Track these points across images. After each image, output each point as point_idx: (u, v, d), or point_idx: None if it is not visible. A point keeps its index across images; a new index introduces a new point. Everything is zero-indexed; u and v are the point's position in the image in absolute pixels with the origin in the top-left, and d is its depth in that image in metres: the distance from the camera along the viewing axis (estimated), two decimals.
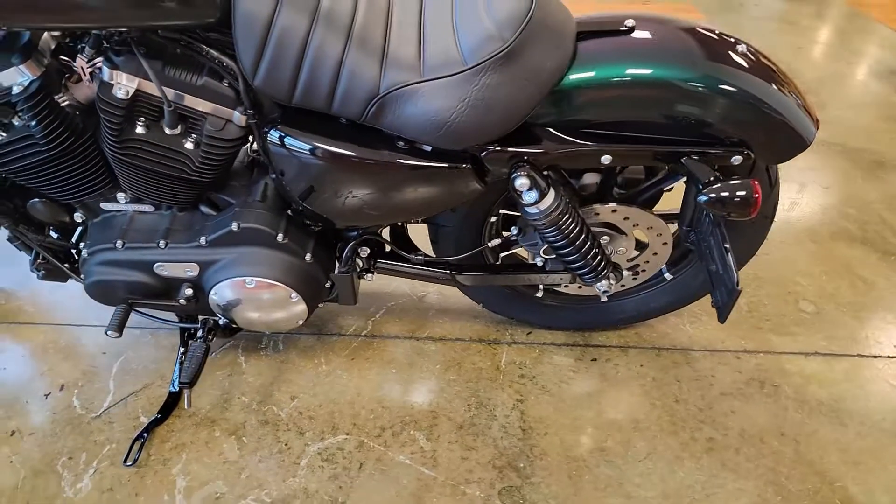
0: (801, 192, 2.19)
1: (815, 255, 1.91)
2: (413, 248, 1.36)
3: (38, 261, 1.32)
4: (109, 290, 1.24)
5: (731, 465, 1.33)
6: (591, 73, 1.01)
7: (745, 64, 1.04)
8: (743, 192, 1.00)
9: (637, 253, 1.37)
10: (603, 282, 1.26)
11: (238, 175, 1.25)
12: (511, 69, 0.95)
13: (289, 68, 0.96)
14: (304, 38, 0.95)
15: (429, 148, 1.05)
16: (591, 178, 1.32)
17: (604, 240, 1.31)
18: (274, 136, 1.05)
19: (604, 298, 1.53)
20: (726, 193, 1.01)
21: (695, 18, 1.13)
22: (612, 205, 1.24)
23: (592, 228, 1.30)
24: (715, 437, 1.39)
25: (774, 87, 1.05)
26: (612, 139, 1.06)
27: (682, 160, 1.06)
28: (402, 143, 1.05)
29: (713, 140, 1.06)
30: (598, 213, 1.26)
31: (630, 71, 1.00)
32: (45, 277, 1.35)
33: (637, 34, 1.03)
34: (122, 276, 1.23)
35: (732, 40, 1.07)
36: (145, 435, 1.34)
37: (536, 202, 1.06)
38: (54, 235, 1.32)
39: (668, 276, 1.47)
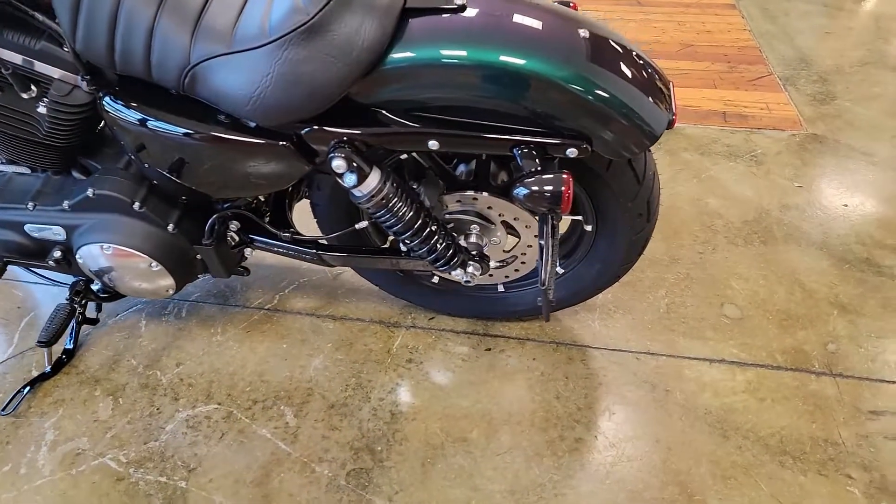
0: (767, 189, 2.06)
1: (760, 258, 1.79)
2: (286, 225, 1.35)
3: None
4: None
5: (591, 468, 1.28)
6: (413, 53, 0.96)
7: (587, 49, 0.97)
8: (550, 187, 0.95)
9: (514, 243, 1.32)
10: (458, 270, 1.23)
11: (110, 141, 1.27)
12: (315, 44, 0.92)
13: (103, 33, 0.96)
14: (116, 1, 0.95)
15: (254, 123, 1.04)
16: (472, 166, 1.28)
17: (473, 229, 1.27)
18: (106, 102, 1.06)
19: (502, 288, 1.49)
20: (536, 188, 0.96)
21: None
22: (472, 193, 1.19)
23: (463, 217, 1.26)
24: (585, 438, 1.34)
25: (619, 75, 0.98)
26: (441, 123, 1.01)
27: (514, 150, 1.01)
28: (222, 117, 1.04)
29: (549, 130, 1.00)
30: (459, 201, 1.22)
31: (454, 52, 0.95)
32: None
33: (469, 13, 0.98)
34: None
35: (578, 22, 1.00)
36: (29, 387, 1.40)
37: (356, 185, 1.03)
38: None
39: (559, 269, 1.41)
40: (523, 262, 1.35)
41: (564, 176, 0.95)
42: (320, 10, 0.91)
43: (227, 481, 1.26)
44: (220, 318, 1.62)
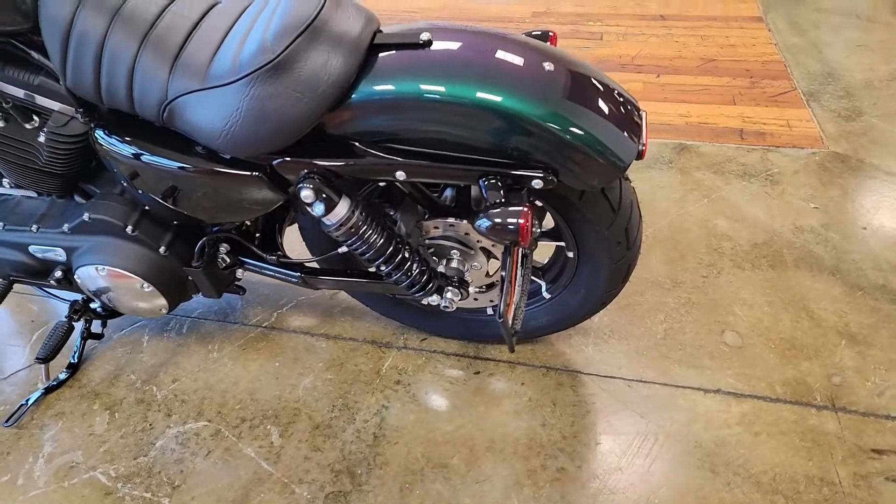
0: (781, 210, 1.99)
1: (768, 283, 1.74)
2: (273, 248, 1.38)
3: None
4: None
5: (571, 500, 1.26)
6: (379, 87, 0.98)
7: (552, 80, 0.97)
8: (512, 219, 0.95)
9: (497, 268, 1.32)
10: (434, 296, 1.23)
11: None
12: (281, 81, 0.94)
13: (89, 69, 1.01)
14: (101, 39, 1.00)
15: (228, 155, 1.07)
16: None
17: (454, 254, 1.27)
18: (98, 135, 1.12)
19: (490, 311, 1.49)
20: (498, 220, 0.96)
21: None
22: (450, 219, 1.20)
23: (444, 242, 1.26)
24: (568, 468, 1.32)
25: (592, 109, 0.97)
26: (408, 154, 1.02)
27: (480, 181, 1.01)
28: (199, 149, 1.07)
29: (515, 161, 1.00)
30: (437, 227, 1.23)
31: (420, 87, 0.96)
32: None
33: (434, 48, 0.99)
34: (3, 254, 1.34)
35: (549, 55, 1.00)
36: (40, 393, 1.46)
37: (324, 214, 1.05)
38: None
39: (546, 294, 1.40)
40: None
41: (524, 209, 0.95)
42: (286, 49, 0.93)
43: (209, 499, 1.29)
44: (219, 335, 1.66)
